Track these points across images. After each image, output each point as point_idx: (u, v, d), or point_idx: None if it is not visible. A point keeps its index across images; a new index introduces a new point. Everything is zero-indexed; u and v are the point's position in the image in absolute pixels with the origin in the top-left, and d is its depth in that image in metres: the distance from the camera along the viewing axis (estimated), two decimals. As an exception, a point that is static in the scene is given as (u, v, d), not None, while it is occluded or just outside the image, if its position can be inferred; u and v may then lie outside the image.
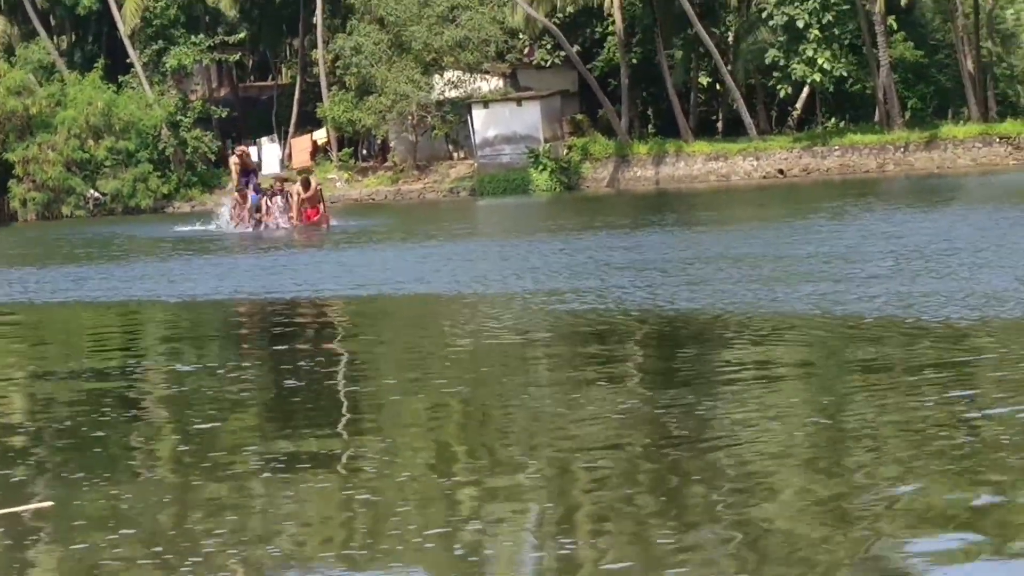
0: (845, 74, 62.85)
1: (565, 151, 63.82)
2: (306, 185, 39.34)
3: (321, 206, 39.67)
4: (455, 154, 67.60)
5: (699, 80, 69.30)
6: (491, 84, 66.13)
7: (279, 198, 40.16)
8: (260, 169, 66.89)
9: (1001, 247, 19.04)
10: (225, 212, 42.54)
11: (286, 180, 43.32)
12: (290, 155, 69.53)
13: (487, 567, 6.21)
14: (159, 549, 6.63)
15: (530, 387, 10.72)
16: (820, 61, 61.45)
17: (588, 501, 7.21)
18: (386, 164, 67.98)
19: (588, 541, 6.44)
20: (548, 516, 6.91)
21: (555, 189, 61.55)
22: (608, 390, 10.13)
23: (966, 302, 13.56)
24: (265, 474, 8.16)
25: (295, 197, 39.10)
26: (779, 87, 63.87)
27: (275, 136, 71.38)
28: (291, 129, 70.81)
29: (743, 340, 12.60)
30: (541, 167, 62.34)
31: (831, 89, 64.20)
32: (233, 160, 43.48)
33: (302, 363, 12.80)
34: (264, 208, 40.23)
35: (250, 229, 39.49)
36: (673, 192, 54.82)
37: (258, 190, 41.07)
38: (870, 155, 59.90)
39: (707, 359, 11.61)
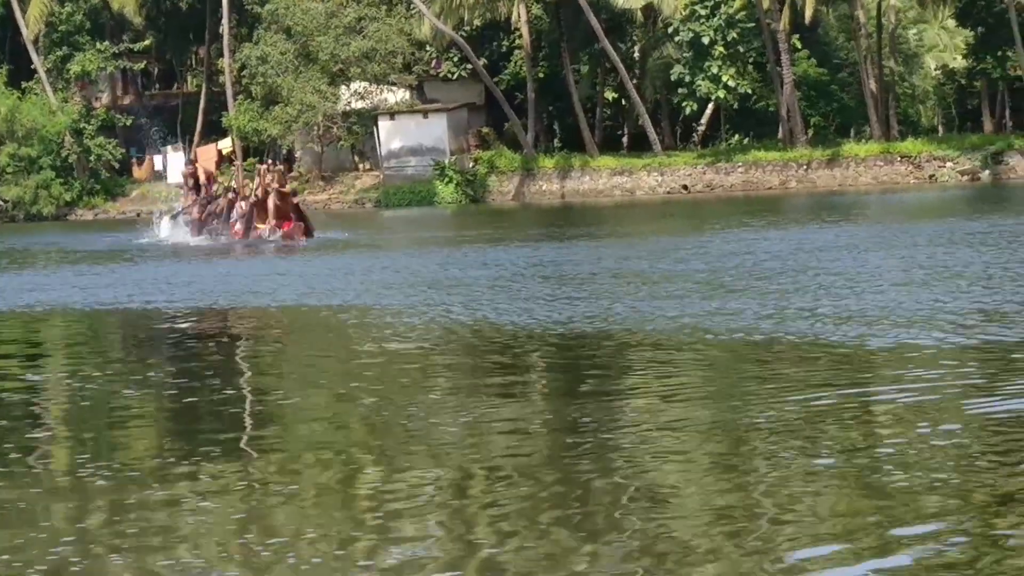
0: (749, 91, 62.90)
1: (471, 164, 63.23)
2: (280, 193, 33.37)
3: (293, 217, 33.51)
4: (361, 165, 66.91)
5: (605, 95, 69.00)
6: (397, 96, 65.49)
7: (242, 203, 34.52)
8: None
9: (863, 271, 18.49)
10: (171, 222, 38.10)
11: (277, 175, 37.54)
12: (194, 163, 68.24)
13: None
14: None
15: (423, 400, 9.94)
16: (725, 78, 61.37)
17: (489, 514, 6.85)
18: (291, 174, 66.92)
19: (490, 554, 6.18)
20: (451, 531, 6.58)
21: (461, 201, 60.97)
22: (492, 402, 9.44)
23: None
24: (151, 493, 7.51)
25: (272, 200, 33.05)
26: (684, 103, 63.66)
27: (180, 144, 70.11)
28: (196, 138, 69.65)
29: (628, 355, 11.95)
30: (447, 179, 61.73)
31: (735, 106, 64.20)
32: (186, 172, 39.79)
33: (179, 378, 11.91)
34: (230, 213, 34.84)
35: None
36: (578, 206, 54.53)
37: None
38: (773, 172, 59.72)
39: (583, 371, 10.92)
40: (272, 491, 7.53)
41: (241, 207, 34.51)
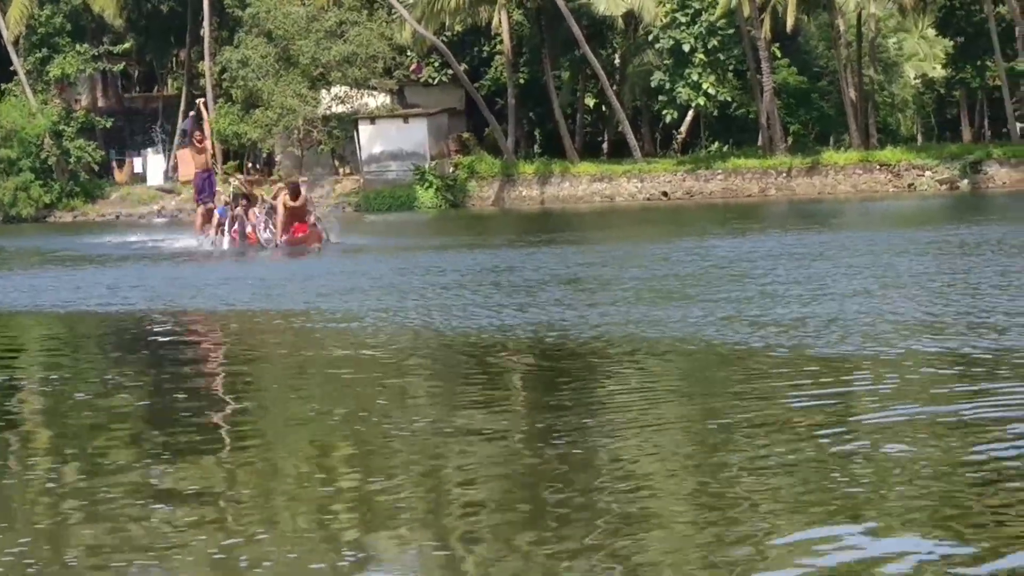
0: (729, 99, 62.75)
1: (451, 169, 63.02)
2: (295, 193, 31.61)
3: (312, 218, 31.96)
4: (341, 169, 66.64)
5: (586, 102, 68.87)
6: (378, 100, 65.22)
7: (256, 210, 32.61)
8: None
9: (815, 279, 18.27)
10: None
11: (254, 183, 36.61)
12: (175, 167, 68.00)
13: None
14: None
15: (398, 409, 9.61)
16: (705, 85, 61.25)
17: (462, 529, 6.65)
18: (271, 178, 66.62)
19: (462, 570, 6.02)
20: (425, 550, 6.35)
21: (440, 206, 60.69)
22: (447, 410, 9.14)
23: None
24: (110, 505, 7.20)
25: (281, 208, 31.41)
26: (664, 110, 63.50)
27: (160, 147, 69.84)
28: (176, 141, 68.96)
29: (603, 362, 11.62)
30: (427, 184, 61.47)
31: (715, 113, 64.15)
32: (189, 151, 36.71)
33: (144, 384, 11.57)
34: (236, 222, 32.81)
35: (225, 245, 32.40)
36: (557, 212, 54.35)
37: (236, 199, 33.72)
38: (753, 179, 59.57)
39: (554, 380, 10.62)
40: (230, 504, 7.21)
41: (253, 214, 32.78)
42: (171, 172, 67.75)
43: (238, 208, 33.09)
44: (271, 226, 32.16)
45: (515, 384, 11.30)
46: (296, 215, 31.41)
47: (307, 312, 16.55)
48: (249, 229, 32.72)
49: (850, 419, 8.75)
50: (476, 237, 35.01)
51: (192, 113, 36.86)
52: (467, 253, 27.36)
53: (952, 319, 13.20)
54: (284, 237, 31.24)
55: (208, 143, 36.65)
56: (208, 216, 33.98)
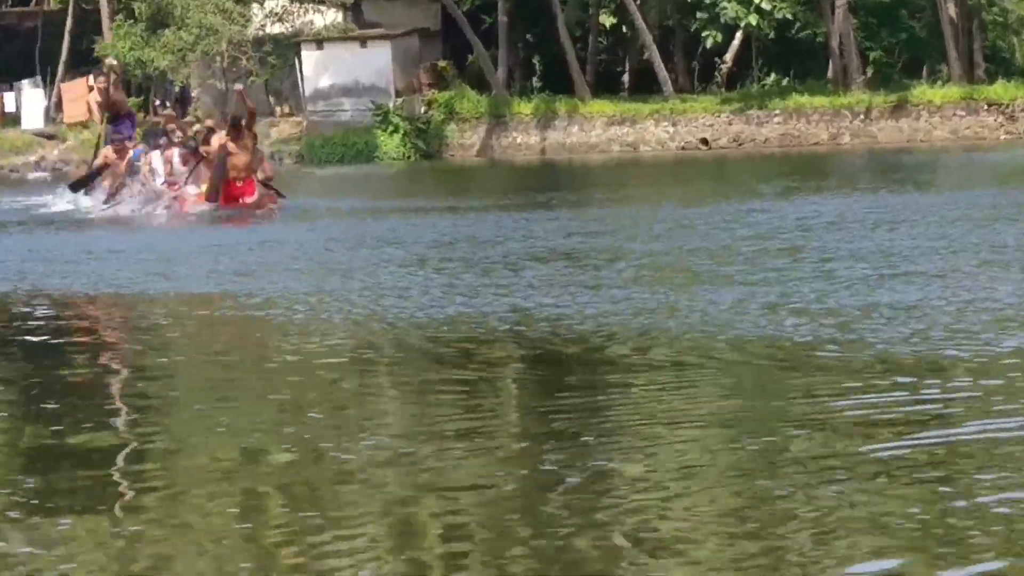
0: (790, 16, 62.65)
1: (423, 108, 63.17)
2: (235, 131, 29.43)
3: (260, 175, 30.15)
4: (278, 108, 66.52)
5: (600, 20, 68.68)
6: (327, 18, 65.18)
7: (175, 152, 31.23)
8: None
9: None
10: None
11: (189, 122, 35.74)
12: (59, 104, 68.16)
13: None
14: None
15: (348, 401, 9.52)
16: (758, -1, 61.24)
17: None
18: (186, 119, 66.54)
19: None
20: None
21: (409, 157, 60.92)
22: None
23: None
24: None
25: (217, 153, 29.38)
26: (705, 31, 63.45)
27: (39, 79, 69.91)
28: (60, 71, 69.35)
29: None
30: (391, 128, 61.53)
31: (771, 36, 64.04)
32: (94, 94, 37.20)
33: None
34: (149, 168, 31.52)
35: (123, 204, 31.15)
36: (563, 165, 54.49)
37: (149, 137, 32.93)
38: (820, 123, 59.63)
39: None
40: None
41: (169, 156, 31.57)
42: (54, 111, 67.73)
43: (153, 151, 32.08)
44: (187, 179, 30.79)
45: (487, 396, 11.13)
46: (240, 165, 29.55)
47: (218, 296, 16.51)
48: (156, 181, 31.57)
49: (932, 437, 8.64)
50: (452, 198, 35.01)
51: None
52: (437, 218, 27.39)
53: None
54: (216, 200, 29.45)
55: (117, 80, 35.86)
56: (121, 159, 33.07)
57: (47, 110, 68.25)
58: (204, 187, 30.17)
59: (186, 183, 31.00)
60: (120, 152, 33.13)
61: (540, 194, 34.40)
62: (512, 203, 31.69)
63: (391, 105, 62.17)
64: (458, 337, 13.14)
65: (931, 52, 65.93)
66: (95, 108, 36.68)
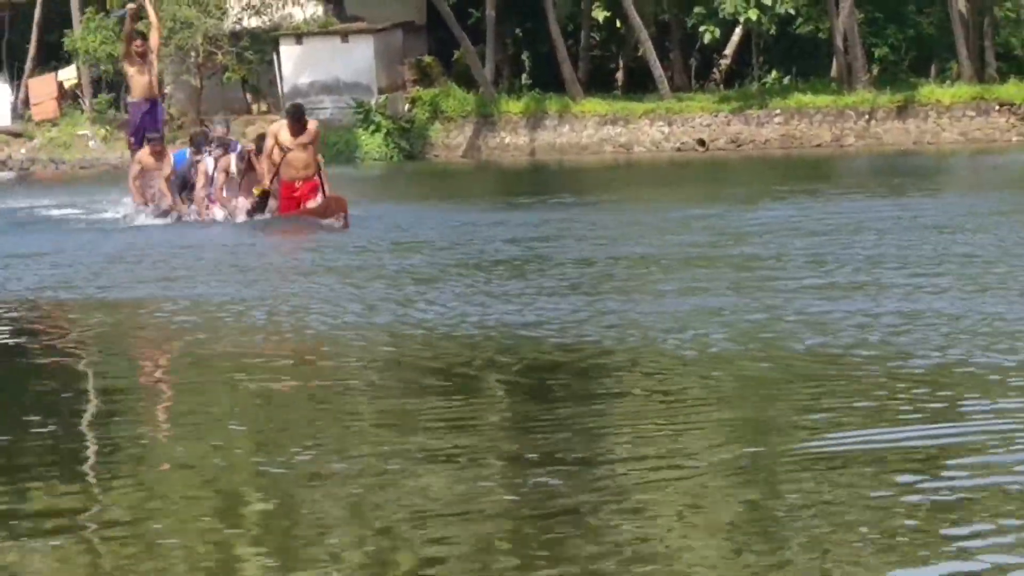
0: (792, 11, 62.54)
1: (407, 107, 63.12)
2: (297, 127, 26.95)
3: (320, 179, 27.31)
4: (255, 106, 66.71)
5: (593, 15, 68.65)
6: (307, 11, 65.24)
7: (232, 159, 28.79)
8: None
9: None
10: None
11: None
12: (26, 101, 68.25)
13: None
14: None
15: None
16: (759, -7, 61.20)
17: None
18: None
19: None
20: None
21: (392, 157, 60.92)
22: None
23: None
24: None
25: (273, 154, 26.78)
26: (703, 27, 63.41)
27: (5, 75, 69.95)
28: (28, 66, 69.39)
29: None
30: (373, 127, 61.47)
31: (773, 32, 63.98)
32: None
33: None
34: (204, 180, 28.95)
35: (167, 219, 28.76)
36: (552, 167, 54.92)
37: (200, 144, 29.85)
38: (823, 123, 59.50)
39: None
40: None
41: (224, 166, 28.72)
42: (21, 108, 67.66)
43: (208, 156, 29.18)
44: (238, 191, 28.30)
45: (468, 412, 11.04)
46: (298, 164, 26.99)
47: (152, 301, 16.61)
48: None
49: (951, 456, 8.89)
50: (433, 200, 35.13)
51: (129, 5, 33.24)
52: (412, 215, 27.42)
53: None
54: (274, 204, 27.07)
55: (154, 56, 31.76)
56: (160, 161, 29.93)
57: (14, 106, 68.33)
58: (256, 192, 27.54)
59: (237, 196, 28.43)
60: (157, 154, 29.88)
61: (529, 197, 34.63)
62: (495, 204, 31.90)
63: (373, 103, 62.14)
64: (419, 349, 13.58)
65: (940, 50, 65.77)
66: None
